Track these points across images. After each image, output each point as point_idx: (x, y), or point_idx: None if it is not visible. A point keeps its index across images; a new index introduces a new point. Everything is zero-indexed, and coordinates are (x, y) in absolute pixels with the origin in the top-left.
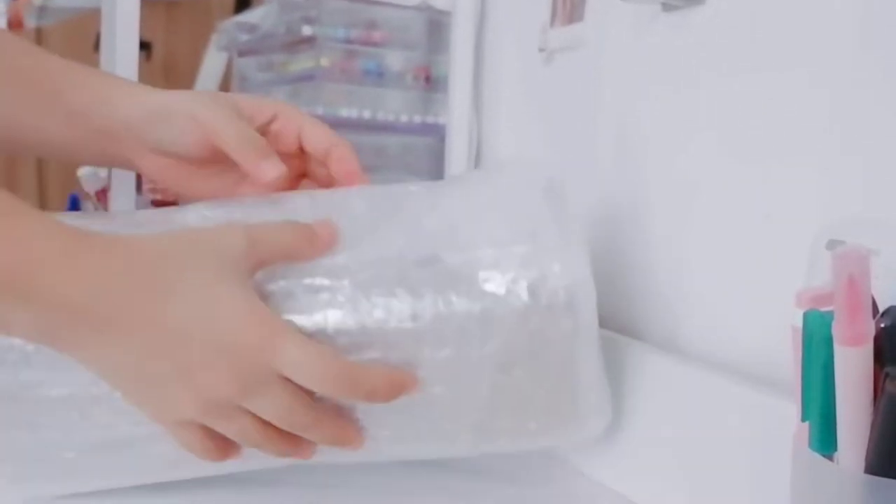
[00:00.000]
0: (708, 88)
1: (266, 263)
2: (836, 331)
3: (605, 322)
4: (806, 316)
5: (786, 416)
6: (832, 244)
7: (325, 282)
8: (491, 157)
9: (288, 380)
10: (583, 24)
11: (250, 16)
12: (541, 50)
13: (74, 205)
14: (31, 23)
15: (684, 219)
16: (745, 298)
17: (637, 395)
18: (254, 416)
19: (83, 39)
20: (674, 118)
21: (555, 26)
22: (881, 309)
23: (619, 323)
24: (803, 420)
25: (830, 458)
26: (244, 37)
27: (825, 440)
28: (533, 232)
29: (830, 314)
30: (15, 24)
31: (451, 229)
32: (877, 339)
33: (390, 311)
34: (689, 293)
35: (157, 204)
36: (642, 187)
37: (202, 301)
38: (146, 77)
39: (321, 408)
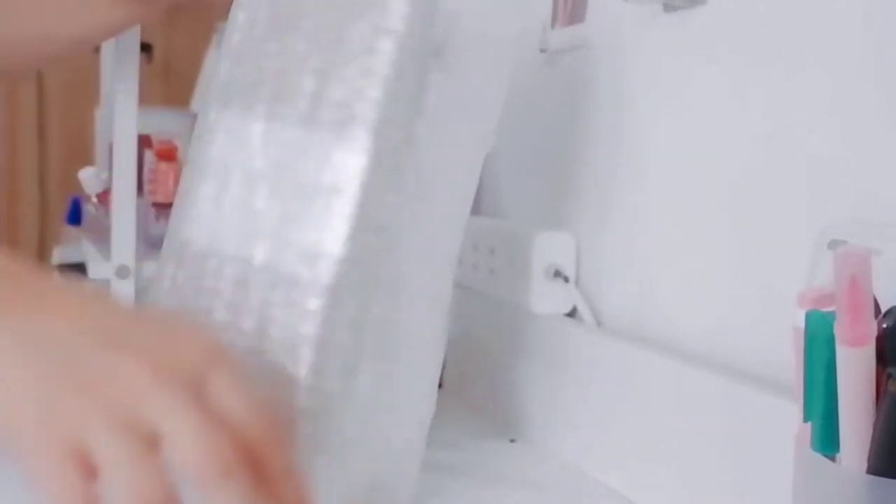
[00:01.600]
0: (709, 88)
1: None
2: (838, 331)
3: (604, 323)
4: (808, 316)
5: (788, 417)
6: (834, 244)
7: None
8: (491, 157)
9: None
10: (584, 24)
11: None
12: (542, 50)
13: (76, 207)
14: None
15: (685, 218)
16: (746, 298)
17: (637, 395)
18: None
19: None
20: (675, 118)
21: (556, 27)
22: (883, 309)
23: (618, 324)
24: (805, 421)
25: (833, 458)
26: None
27: (827, 441)
28: None
29: (832, 315)
30: None
31: None
32: (879, 340)
33: None
34: (690, 293)
35: (158, 206)
36: (643, 187)
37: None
38: (147, 79)
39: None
